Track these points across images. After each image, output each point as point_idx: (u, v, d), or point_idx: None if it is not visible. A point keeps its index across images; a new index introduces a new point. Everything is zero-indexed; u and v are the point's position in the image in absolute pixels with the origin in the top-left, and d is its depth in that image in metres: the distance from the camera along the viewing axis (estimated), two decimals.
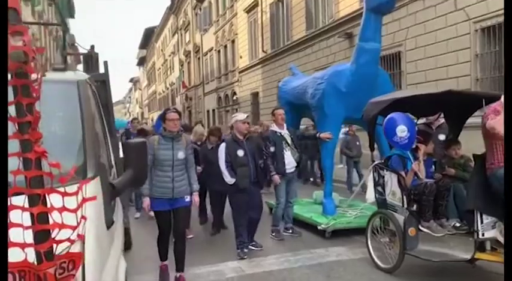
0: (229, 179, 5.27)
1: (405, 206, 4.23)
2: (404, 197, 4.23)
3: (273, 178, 5.88)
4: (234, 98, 26.49)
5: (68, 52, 7.80)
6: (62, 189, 1.33)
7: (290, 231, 6.28)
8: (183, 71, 40.30)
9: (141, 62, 73.71)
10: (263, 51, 22.01)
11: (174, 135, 4.38)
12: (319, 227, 6.08)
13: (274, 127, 6.14)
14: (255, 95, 23.26)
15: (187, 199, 4.48)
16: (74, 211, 1.36)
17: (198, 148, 6.18)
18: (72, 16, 49.00)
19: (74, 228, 1.37)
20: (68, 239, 1.37)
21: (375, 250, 4.77)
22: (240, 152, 5.29)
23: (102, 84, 3.65)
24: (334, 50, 15.51)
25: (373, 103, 4.82)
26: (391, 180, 4.41)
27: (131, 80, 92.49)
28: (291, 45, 18.98)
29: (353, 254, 5.29)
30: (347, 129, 10.01)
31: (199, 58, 34.88)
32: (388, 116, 4.57)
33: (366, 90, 5.72)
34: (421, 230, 4.23)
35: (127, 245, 5.09)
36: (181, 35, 40.63)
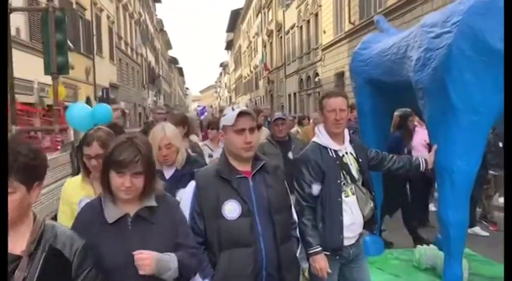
0: None
1: None
2: None
3: (313, 260, 2.55)
4: (316, 79, 22.97)
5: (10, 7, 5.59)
6: None
7: None
8: (266, 53, 37.74)
9: (229, 46, 72.47)
10: (350, 22, 18.53)
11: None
12: None
13: (320, 136, 2.71)
14: (340, 75, 19.62)
15: None
16: None
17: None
18: (158, 0, 48.85)
19: None
20: None
21: None
22: (233, 207, 2.06)
23: None
24: None
25: None
26: None
27: (221, 65, 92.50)
28: (385, 11, 15.00)
29: None
30: None
31: (281, 37, 32.21)
32: None
33: None
34: None
35: None
36: (265, 13, 38.33)
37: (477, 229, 5.81)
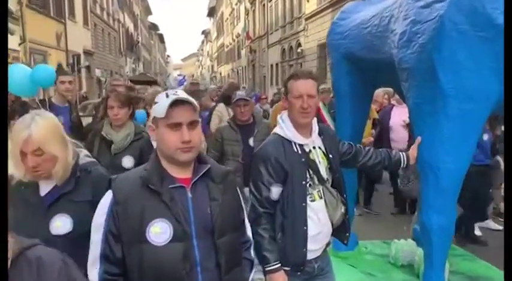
0: None
1: None
2: None
3: (270, 278, 2.06)
4: (299, 50, 22.34)
5: None
6: None
7: None
8: (248, 21, 36.65)
9: (211, 12, 70.38)
10: None
11: None
12: None
13: (283, 127, 2.18)
14: (323, 46, 18.99)
15: None
16: None
17: None
18: None
19: None
20: None
21: None
22: (162, 229, 1.52)
23: None
24: None
25: None
26: None
27: (203, 32, 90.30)
28: None
29: None
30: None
31: (264, 5, 31.23)
32: None
33: None
34: None
35: None
36: None
37: (490, 223, 5.31)
